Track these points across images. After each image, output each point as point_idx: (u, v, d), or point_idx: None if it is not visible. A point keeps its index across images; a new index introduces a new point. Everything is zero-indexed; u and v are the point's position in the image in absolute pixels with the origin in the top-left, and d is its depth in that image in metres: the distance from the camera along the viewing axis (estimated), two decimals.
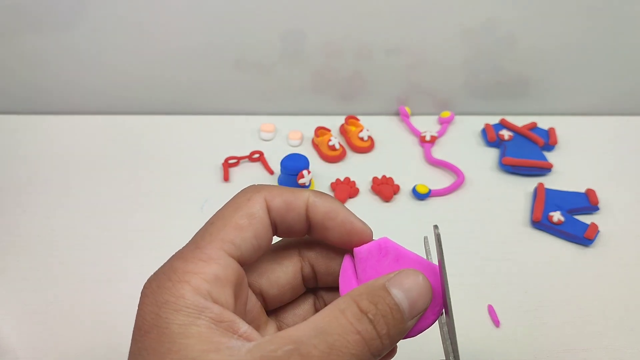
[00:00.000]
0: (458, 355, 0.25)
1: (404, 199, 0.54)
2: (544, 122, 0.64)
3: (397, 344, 0.23)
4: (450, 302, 0.25)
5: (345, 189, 0.54)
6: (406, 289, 0.23)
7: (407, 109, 0.65)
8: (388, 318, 0.22)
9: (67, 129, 0.62)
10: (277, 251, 0.28)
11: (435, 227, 0.25)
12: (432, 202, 0.54)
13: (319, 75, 0.63)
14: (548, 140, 0.61)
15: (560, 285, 0.46)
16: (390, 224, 0.51)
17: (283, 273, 0.27)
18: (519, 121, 0.63)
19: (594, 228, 0.49)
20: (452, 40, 0.60)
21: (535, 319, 0.43)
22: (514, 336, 0.42)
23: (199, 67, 0.61)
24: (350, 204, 0.53)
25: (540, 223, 0.50)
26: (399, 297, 0.22)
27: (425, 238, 0.29)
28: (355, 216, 0.26)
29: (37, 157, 0.58)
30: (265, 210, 0.25)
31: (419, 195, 0.53)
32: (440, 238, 0.24)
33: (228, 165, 0.57)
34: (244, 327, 0.21)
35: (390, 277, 0.23)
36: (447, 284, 0.24)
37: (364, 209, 0.53)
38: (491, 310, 0.43)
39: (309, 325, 0.21)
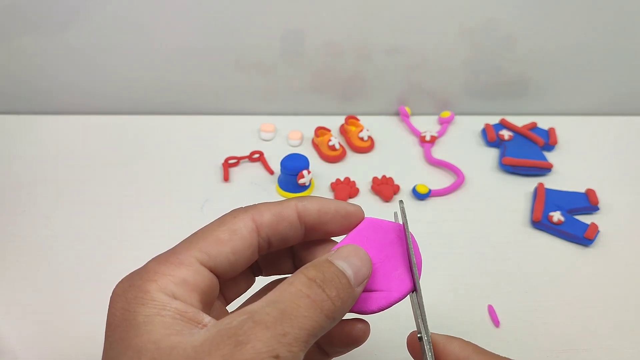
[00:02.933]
0: (427, 327, 0.26)
1: (404, 199, 0.54)
2: (544, 122, 0.64)
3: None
4: (417, 275, 0.27)
5: (345, 189, 0.54)
6: (347, 259, 0.25)
7: (407, 109, 0.65)
8: (335, 282, 0.23)
9: (67, 129, 0.62)
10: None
11: (401, 202, 0.28)
12: (432, 202, 0.54)
13: (319, 75, 0.63)
14: (548, 140, 0.61)
15: (560, 285, 0.46)
16: None
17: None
18: (519, 121, 0.63)
19: (594, 228, 0.49)
20: (452, 40, 0.60)
21: (535, 319, 0.43)
22: (514, 336, 0.42)
23: (199, 67, 0.61)
24: None
25: (540, 223, 0.50)
26: (342, 265, 0.24)
27: (395, 214, 0.31)
28: (343, 202, 0.29)
29: (37, 157, 0.58)
30: (249, 228, 0.26)
31: (419, 195, 0.53)
32: (404, 212, 0.27)
33: (228, 165, 0.57)
34: (207, 318, 0.23)
35: (331, 253, 0.25)
36: (413, 257, 0.26)
37: (364, 209, 0.53)
38: (491, 310, 0.43)
39: (261, 300, 0.22)
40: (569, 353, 0.40)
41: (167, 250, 0.25)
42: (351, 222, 0.28)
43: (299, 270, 0.24)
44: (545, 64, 0.63)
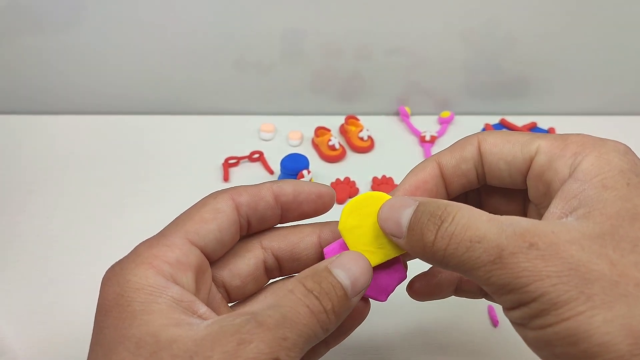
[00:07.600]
0: None
1: None
2: (544, 122, 0.63)
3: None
4: None
5: (345, 189, 0.54)
6: (347, 268, 0.24)
7: (407, 109, 0.65)
8: (332, 295, 0.23)
9: (67, 129, 0.62)
10: (239, 244, 0.29)
11: None
12: None
13: (319, 75, 0.63)
14: None
15: None
16: None
17: (245, 265, 0.29)
18: (519, 121, 0.63)
19: None
20: (452, 40, 0.60)
21: None
22: (514, 336, 0.41)
23: (199, 67, 0.61)
24: None
25: None
26: (340, 276, 0.24)
27: None
28: (316, 183, 0.29)
29: (37, 157, 0.58)
30: (231, 207, 0.27)
31: None
32: None
33: (228, 165, 0.57)
34: (203, 308, 0.23)
35: (332, 260, 0.25)
36: None
37: None
38: (491, 310, 0.43)
39: (262, 303, 0.23)
40: None
41: (156, 235, 0.25)
42: (325, 202, 0.29)
43: (296, 277, 0.24)
44: (545, 64, 0.63)
